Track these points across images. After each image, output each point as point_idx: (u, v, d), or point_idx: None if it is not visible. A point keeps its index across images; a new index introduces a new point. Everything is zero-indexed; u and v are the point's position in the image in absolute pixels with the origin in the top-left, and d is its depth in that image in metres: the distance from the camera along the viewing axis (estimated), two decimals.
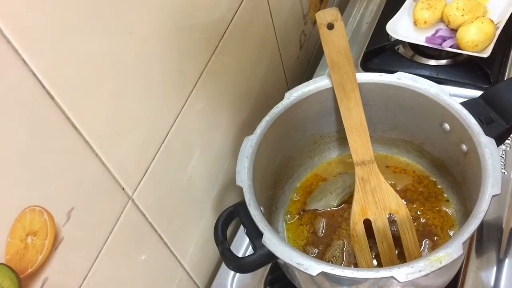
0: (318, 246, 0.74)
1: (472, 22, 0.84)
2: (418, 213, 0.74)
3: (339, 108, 0.71)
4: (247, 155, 0.66)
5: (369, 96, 0.71)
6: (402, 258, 0.68)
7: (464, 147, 0.67)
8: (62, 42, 0.47)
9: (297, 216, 0.77)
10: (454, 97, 0.67)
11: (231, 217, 0.65)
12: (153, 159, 0.63)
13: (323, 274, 0.56)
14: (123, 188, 0.59)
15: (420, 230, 0.72)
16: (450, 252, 0.55)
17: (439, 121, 0.69)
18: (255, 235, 0.61)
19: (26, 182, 0.47)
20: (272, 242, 0.59)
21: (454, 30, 0.88)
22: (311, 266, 0.56)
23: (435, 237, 0.72)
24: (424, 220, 0.74)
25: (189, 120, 0.68)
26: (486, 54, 0.84)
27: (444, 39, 0.88)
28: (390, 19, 0.92)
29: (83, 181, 0.53)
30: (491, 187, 0.59)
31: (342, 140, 0.79)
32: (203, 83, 0.69)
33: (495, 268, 0.71)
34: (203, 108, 0.70)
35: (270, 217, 0.74)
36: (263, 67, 0.86)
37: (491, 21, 0.85)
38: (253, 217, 0.61)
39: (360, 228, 0.68)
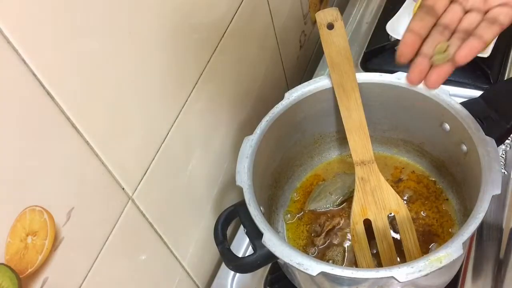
0: (318, 246, 0.73)
1: None
2: (418, 213, 0.74)
3: (339, 108, 0.71)
4: (247, 155, 0.66)
5: (369, 96, 0.72)
6: (402, 258, 0.68)
7: (464, 147, 0.67)
8: (62, 42, 0.47)
9: (297, 216, 0.77)
10: (454, 97, 0.67)
11: (231, 217, 0.65)
12: (153, 159, 0.63)
13: (323, 274, 0.56)
14: (123, 188, 0.59)
15: (420, 230, 0.72)
16: (450, 252, 0.55)
17: (439, 121, 0.69)
18: (255, 235, 0.61)
19: (26, 182, 0.47)
20: (272, 242, 0.59)
21: None
22: (311, 266, 0.56)
23: (435, 237, 0.72)
24: (424, 220, 0.74)
25: (189, 120, 0.68)
26: (486, 54, 0.84)
27: None
28: (390, 19, 0.92)
29: (83, 181, 0.53)
30: (491, 187, 0.59)
31: (342, 140, 0.79)
32: (203, 83, 0.69)
33: (495, 268, 0.71)
34: (203, 108, 0.70)
35: (270, 217, 0.74)
36: (263, 67, 0.86)
37: None
38: (253, 217, 0.61)
39: (360, 228, 0.68)
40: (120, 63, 0.54)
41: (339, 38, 0.71)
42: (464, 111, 0.65)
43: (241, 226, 0.73)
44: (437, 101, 0.67)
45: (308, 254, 0.64)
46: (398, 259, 0.68)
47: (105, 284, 0.59)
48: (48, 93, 0.46)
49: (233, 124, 0.80)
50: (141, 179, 0.61)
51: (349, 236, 0.73)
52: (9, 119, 0.44)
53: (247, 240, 0.71)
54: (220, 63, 0.72)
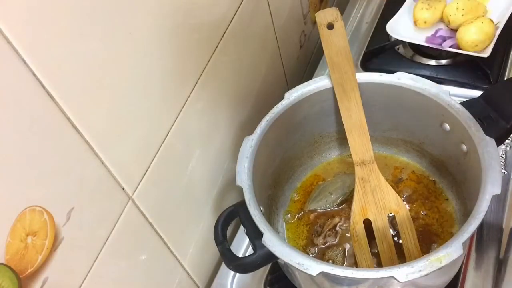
0: (318, 246, 0.74)
1: (472, 22, 0.84)
2: (418, 213, 0.74)
3: (339, 108, 0.71)
4: (247, 155, 0.66)
5: (369, 96, 0.71)
6: (402, 258, 0.68)
7: (464, 147, 0.67)
8: (62, 42, 0.47)
9: (297, 216, 0.77)
10: (454, 97, 0.67)
11: (231, 217, 0.65)
12: (153, 159, 0.63)
13: (323, 274, 0.56)
14: (123, 188, 0.59)
15: (420, 230, 0.72)
16: (450, 252, 0.55)
17: (439, 121, 0.69)
18: (255, 235, 0.61)
19: (26, 182, 0.47)
20: (272, 242, 0.59)
21: (454, 30, 0.88)
22: (311, 266, 0.56)
23: (435, 237, 0.72)
24: (424, 220, 0.74)
25: (189, 120, 0.68)
26: (486, 54, 0.84)
27: (444, 39, 0.88)
28: (390, 19, 0.92)
29: (83, 181, 0.53)
30: (491, 187, 0.59)
31: (342, 140, 0.79)
32: (203, 83, 0.69)
33: (495, 268, 0.71)
34: (203, 108, 0.71)
35: (270, 217, 0.74)
36: (263, 67, 0.86)
37: (491, 21, 0.85)
38: (253, 217, 0.61)
39: (360, 228, 0.68)
40: (120, 63, 0.54)
41: (339, 38, 0.71)
42: (464, 111, 0.65)
43: (241, 226, 0.73)
44: (437, 101, 0.67)
45: (308, 254, 0.64)
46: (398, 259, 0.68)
47: (105, 284, 0.59)
48: (48, 93, 0.46)
49: (233, 124, 0.80)
50: (141, 179, 0.61)
51: (349, 236, 0.73)
52: (9, 119, 0.44)
53: (247, 240, 0.71)
54: (220, 63, 0.72)
